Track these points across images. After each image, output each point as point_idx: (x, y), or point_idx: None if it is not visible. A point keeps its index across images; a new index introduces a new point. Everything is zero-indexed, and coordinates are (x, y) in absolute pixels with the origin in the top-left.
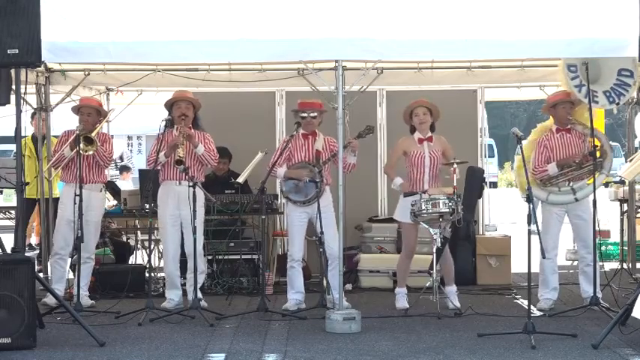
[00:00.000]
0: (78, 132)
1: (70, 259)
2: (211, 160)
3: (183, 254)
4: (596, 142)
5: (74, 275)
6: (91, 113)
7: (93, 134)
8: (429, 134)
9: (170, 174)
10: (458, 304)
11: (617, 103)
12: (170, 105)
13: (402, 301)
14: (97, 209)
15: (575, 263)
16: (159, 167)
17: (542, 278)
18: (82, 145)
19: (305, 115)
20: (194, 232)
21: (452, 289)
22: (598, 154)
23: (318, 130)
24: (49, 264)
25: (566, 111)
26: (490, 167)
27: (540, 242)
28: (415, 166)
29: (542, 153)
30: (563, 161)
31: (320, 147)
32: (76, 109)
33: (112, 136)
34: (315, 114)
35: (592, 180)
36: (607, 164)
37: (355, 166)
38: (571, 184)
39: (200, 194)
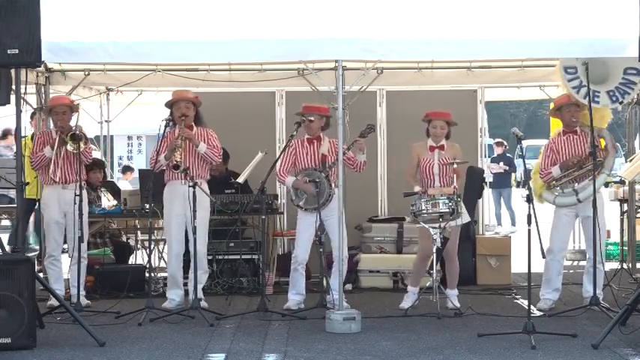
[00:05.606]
0: (61, 132)
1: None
2: (215, 157)
3: (187, 253)
4: (602, 141)
5: (70, 275)
6: (66, 111)
7: (78, 131)
8: (442, 142)
9: (174, 174)
10: (457, 304)
11: (621, 102)
12: (170, 105)
13: (408, 301)
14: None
15: (576, 263)
16: (163, 168)
17: (545, 278)
18: (70, 144)
19: (304, 118)
20: (194, 232)
21: (453, 292)
22: (602, 154)
23: (322, 133)
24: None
25: (571, 114)
26: None
27: (540, 243)
28: (424, 173)
29: (548, 156)
30: (564, 163)
31: (325, 151)
32: (48, 110)
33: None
34: (313, 118)
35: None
36: (608, 164)
37: (366, 164)
38: (573, 186)
39: (204, 195)
